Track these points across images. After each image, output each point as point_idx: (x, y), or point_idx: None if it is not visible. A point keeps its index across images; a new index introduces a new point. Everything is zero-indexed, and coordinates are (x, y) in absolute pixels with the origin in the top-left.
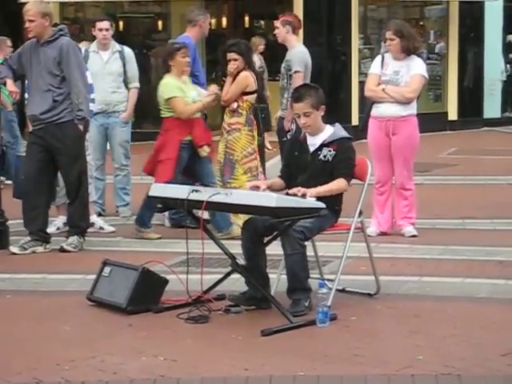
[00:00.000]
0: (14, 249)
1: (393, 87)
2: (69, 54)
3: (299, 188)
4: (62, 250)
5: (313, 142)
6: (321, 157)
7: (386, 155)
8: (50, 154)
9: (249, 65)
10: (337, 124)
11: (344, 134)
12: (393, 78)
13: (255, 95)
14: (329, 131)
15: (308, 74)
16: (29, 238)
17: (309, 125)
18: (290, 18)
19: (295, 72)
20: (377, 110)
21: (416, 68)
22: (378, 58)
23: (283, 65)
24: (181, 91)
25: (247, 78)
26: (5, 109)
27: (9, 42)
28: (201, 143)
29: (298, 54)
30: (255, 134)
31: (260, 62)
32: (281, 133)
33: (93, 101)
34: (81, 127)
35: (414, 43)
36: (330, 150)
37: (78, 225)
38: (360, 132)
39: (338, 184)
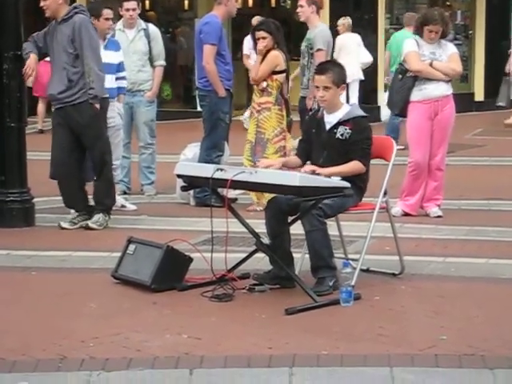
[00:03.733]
0: (64, 224)
1: (439, 62)
2: (81, 31)
3: (310, 166)
4: (88, 228)
5: (329, 120)
6: (338, 135)
7: (427, 139)
8: (74, 133)
9: (278, 44)
10: (354, 103)
11: (360, 112)
12: (432, 57)
13: (284, 74)
14: (345, 109)
15: (329, 53)
16: (76, 214)
17: (325, 99)
18: None
19: (317, 50)
20: (422, 93)
21: (451, 48)
22: (412, 40)
23: (304, 43)
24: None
25: (277, 58)
26: None
27: None
28: None
29: (321, 33)
30: (284, 113)
31: None
32: (303, 113)
33: (124, 78)
34: (97, 106)
35: (449, 28)
36: (345, 129)
37: (103, 202)
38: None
39: (352, 166)
